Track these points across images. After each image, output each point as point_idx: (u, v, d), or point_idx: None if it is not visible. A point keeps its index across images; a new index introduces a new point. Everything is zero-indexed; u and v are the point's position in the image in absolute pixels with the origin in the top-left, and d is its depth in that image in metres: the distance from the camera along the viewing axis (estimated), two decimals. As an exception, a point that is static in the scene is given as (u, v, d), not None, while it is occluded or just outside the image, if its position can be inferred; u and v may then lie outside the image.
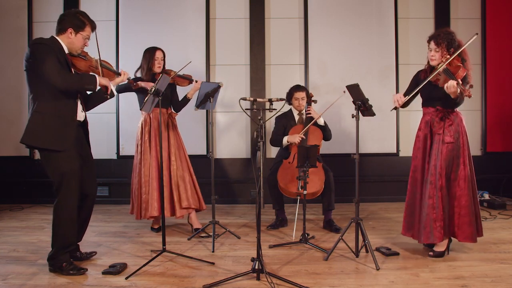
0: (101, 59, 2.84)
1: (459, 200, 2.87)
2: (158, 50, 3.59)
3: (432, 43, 2.93)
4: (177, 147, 3.64)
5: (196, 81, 3.64)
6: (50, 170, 2.63)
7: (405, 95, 3.04)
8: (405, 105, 3.09)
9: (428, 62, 3.02)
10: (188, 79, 3.67)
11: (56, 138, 2.59)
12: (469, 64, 2.92)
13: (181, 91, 3.82)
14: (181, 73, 3.55)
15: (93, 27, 2.73)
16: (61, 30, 2.65)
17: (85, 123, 2.88)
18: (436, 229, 2.85)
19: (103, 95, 2.78)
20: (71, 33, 2.64)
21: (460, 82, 2.76)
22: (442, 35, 2.90)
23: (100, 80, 2.66)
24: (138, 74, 3.66)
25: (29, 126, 2.57)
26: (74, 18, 2.65)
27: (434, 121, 2.95)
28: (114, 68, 3.06)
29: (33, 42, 2.61)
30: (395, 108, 3.02)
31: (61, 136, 2.60)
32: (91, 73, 2.72)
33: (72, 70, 2.72)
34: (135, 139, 3.68)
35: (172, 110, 3.73)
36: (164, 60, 3.64)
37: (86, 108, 2.88)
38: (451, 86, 2.73)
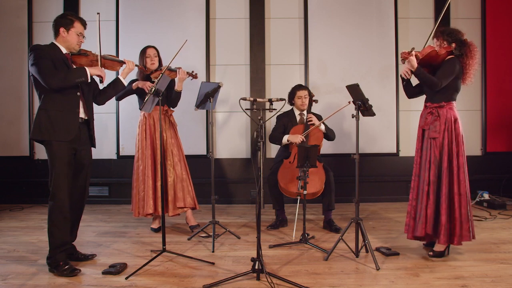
0: (102, 52, 2.91)
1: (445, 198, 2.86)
2: (149, 47, 3.61)
3: (434, 39, 3.00)
4: (175, 146, 3.64)
5: (179, 70, 3.51)
6: (49, 161, 2.73)
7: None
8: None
9: None
10: (174, 71, 3.56)
11: (61, 129, 2.71)
12: (472, 60, 2.91)
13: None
14: (172, 66, 3.44)
15: (83, 23, 2.86)
16: (56, 33, 2.82)
17: (88, 122, 2.92)
18: (420, 224, 2.87)
19: (99, 83, 2.89)
20: (63, 32, 2.79)
21: (413, 52, 2.85)
22: (442, 30, 2.96)
23: (91, 71, 2.78)
24: (135, 76, 3.67)
25: (36, 122, 2.73)
26: (63, 18, 2.82)
27: (424, 117, 3.01)
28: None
29: (30, 48, 2.76)
30: (408, 80, 3.09)
31: (65, 128, 2.73)
32: (80, 67, 2.82)
33: (73, 66, 2.84)
34: (135, 138, 3.69)
35: (169, 107, 3.73)
36: (158, 56, 3.64)
37: (99, 103, 3.02)
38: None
